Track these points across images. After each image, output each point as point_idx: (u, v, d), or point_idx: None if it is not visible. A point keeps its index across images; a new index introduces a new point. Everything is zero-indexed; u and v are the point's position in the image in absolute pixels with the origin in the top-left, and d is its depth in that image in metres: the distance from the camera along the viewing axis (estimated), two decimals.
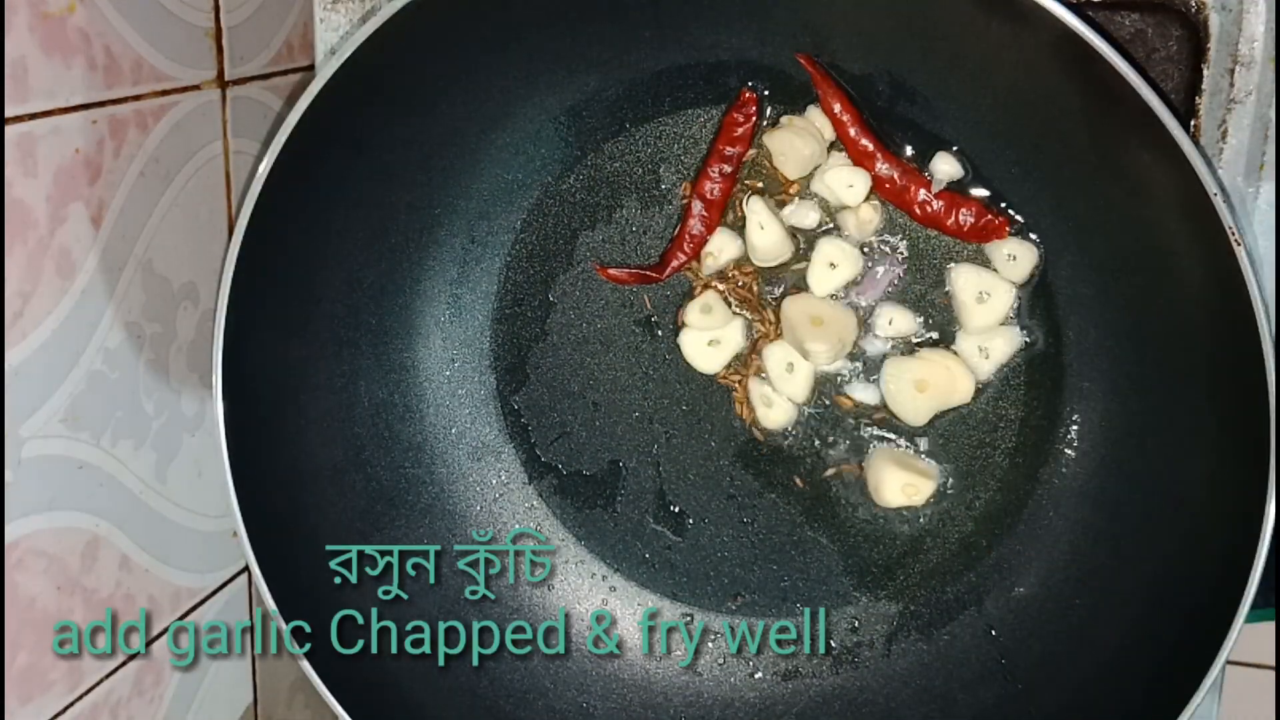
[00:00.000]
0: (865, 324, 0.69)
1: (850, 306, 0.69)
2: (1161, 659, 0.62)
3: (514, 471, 0.76)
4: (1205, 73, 0.61)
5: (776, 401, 0.71)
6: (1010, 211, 0.65)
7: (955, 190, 0.66)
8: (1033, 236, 0.66)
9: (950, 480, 0.71)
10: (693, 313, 0.71)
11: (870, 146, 0.65)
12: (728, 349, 0.71)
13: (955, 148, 0.65)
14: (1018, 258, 0.66)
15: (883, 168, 0.65)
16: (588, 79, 0.68)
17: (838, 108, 0.65)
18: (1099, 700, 0.65)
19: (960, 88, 0.63)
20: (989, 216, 0.65)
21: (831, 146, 0.67)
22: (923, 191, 0.65)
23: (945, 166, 0.65)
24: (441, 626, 0.72)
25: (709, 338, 0.71)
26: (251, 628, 0.78)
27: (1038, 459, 0.69)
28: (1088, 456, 0.68)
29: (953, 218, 0.65)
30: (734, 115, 0.67)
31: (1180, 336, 0.60)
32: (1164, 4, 0.61)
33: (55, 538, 0.60)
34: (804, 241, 0.69)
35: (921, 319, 0.69)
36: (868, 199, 0.67)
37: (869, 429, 0.71)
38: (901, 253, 0.68)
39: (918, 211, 0.66)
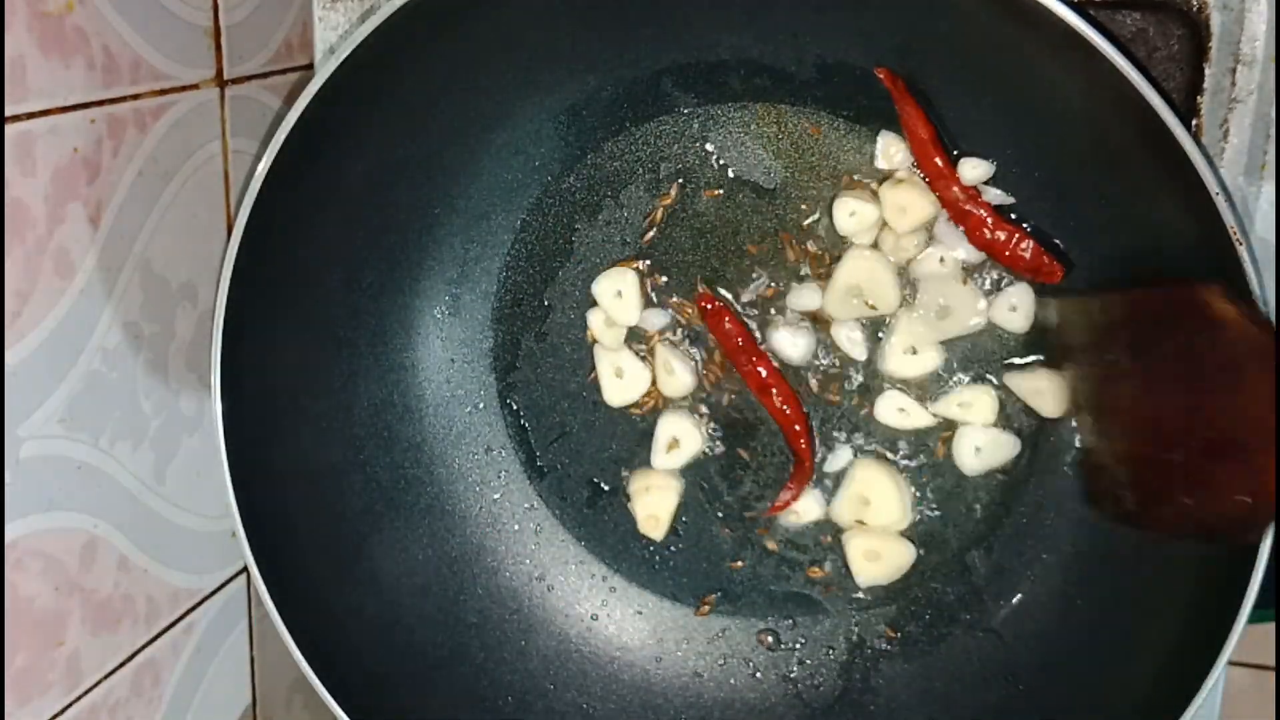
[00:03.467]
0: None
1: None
2: (1163, 659, 0.62)
3: (514, 471, 0.76)
4: (1207, 72, 0.61)
5: None
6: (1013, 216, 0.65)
7: (1015, 224, 0.65)
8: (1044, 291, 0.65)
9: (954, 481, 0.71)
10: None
11: (944, 166, 0.65)
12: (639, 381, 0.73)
13: (954, 148, 0.65)
14: (1019, 308, 0.66)
15: (955, 190, 0.65)
16: (588, 79, 0.68)
17: (918, 126, 0.64)
18: (1100, 701, 0.65)
19: (961, 87, 0.63)
20: (1045, 259, 0.64)
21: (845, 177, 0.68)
22: (989, 218, 0.65)
23: (971, 171, 0.65)
24: (442, 626, 0.72)
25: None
26: (250, 628, 0.78)
27: (1038, 459, 0.69)
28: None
29: (1010, 249, 0.64)
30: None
31: None
32: (1166, 3, 0.61)
33: (54, 538, 0.60)
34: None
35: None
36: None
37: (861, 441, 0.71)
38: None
39: (978, 235, 0.65)
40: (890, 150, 0.66)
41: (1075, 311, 0.65)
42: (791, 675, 0.74)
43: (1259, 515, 0.51)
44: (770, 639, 0.74)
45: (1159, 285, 0.58)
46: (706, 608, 0.74)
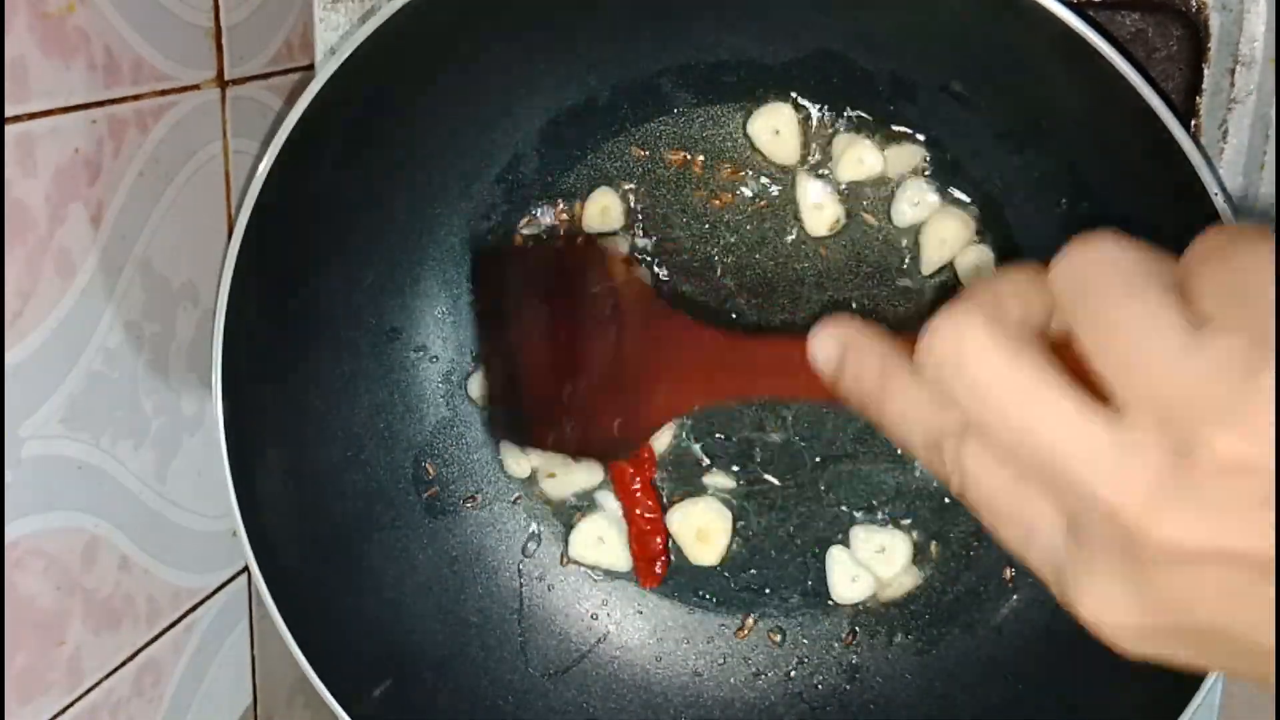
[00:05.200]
0: None
1: None
2: None
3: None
4: (1206, 72, 0.61)
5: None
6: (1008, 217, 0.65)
7: None
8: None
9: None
10: None
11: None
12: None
13: (953, 147, 0.65)
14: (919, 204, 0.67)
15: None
16: (588, 79, 0.68)
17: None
18: (1099, 700, 0.65)
19: (959, 88, 0.63)
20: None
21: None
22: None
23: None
24: (442, 625, 0.72)
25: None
26: (251, 628, 0.78)
27: None
28: None
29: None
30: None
31: None
32: (1164, 3, 0.61)
33: (54, 538, 0.60)
34: None
35: None
36: None
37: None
38: None
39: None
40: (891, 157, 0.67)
41: (516, 257, 0.70)
42: (791, 674, 0.74)
43: (629, 440, 0.61)
44: (770, 638, 0.74)
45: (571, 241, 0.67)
46: (746, 631, 0.74)
